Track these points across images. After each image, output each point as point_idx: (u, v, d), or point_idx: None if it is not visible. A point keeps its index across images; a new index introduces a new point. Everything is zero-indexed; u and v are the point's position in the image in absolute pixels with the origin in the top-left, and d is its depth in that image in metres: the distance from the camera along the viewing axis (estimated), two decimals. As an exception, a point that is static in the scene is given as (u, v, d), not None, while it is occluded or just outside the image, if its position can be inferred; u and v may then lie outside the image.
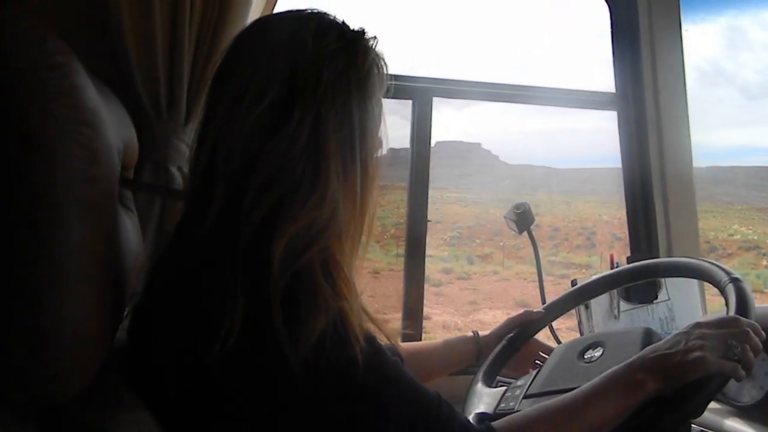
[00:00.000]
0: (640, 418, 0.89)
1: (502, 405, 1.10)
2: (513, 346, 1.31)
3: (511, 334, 1.32)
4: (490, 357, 1.29)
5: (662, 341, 0.93)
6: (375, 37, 0.92)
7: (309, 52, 0.85)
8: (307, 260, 0.78)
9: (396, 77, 1.75)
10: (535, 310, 1.35)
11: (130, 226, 1.05)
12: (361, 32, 0.92)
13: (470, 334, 1.35)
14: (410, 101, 1.82)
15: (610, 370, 0.91)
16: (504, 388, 1.16)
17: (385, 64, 0.94)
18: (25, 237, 0.69)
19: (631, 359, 0.91)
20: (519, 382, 1.15)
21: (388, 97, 1.75)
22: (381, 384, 0.78)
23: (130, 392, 0.80)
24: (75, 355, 0.73)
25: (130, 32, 1.25)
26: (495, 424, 0.87)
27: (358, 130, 0.87)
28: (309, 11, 0.92)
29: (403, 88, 1.78)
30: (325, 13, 0.92)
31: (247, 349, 0.74)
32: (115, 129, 0.94)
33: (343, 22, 0.92)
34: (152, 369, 0.82)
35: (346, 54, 0.87)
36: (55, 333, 0.71)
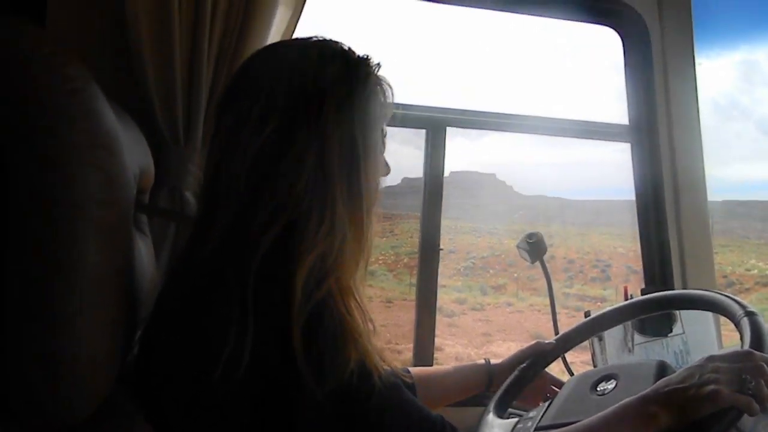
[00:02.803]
0: None
1: None
2: (525, 377, 1.30)
3: (524, 365, 1.30)
4: (502, 387, 1.27)
5: (675, 374, 0.92)
6: (379, 64, 0.93)
7: (312, 78, 0.86)
8: (326, 291, 0.78)
9: (410, 107, 1.77)
10: (546, 341, 1.33)
11: (144, 250, 1.06)
12: (365, 58, 0.92)
13: (482, 361, 1.33)
14: (424, 131, 1.83)
15: (623, 402, 0.90)
16: (516, 419, 1.14)
17: (390, 89, 0.94)
18: (40, 259, 0.70)
19: (644, 392, 0.90)
20: (531, 414, 1.14)
21: (401, 126, 1.79)
22: (387, 408, 0.79)
23: (138, 416, 0.80)
24: (86, 379, 0.74)
25: (149, 57, 1.28)
26: None
27: (362, 156, 0.87)
28: (315, 38, 0.92)
29: (417, 117, 1.80)
30: (330, 40, 0.92)
31: (259, 381, 0.74)
32: (132, 153, 0.96)
33: (349, 48, 0.92)
34: (156, 394, 0.82)
35: (348, 80, 0.88)
36: (71, 357, 0.72)
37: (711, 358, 0.91)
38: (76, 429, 0.75)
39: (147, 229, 1.17)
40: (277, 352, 0.74)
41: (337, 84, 0.87)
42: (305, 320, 0.74)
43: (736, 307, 1.04)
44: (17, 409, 0.72)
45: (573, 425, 0.90)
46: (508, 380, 1.29)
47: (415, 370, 1.26)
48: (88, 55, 1.23)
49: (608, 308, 1.35)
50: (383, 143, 0.97)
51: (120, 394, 0.82)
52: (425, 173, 1.84)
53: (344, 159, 0.85)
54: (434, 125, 1.81)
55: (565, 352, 1.37)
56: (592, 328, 1.36)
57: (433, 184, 1.83)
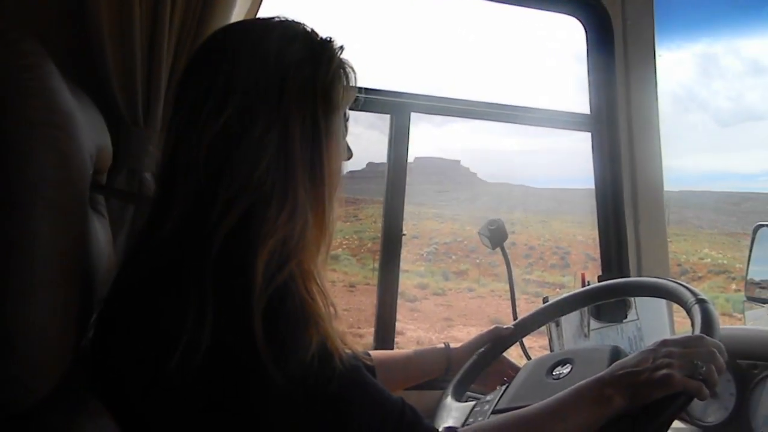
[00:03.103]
0: None
1: (470, 420, 1.10)
2: (483, 362, 1.32)
3: (482, 350, 1.33)
4: (461, 372, 1.29)
5: (630, 357, 0.94)
6: (342, 47, 0.91)
7: (274, 59, 0.84)
8: (287, 275, 0.76)
9: (375, 91, 1.77)
10: (505, 327, 1.35)
11: (100, 231, 1.04)
12: (328, 41, 0.90)
13: (441, 345, 1.35)
14: (388, 116, 1.83)
15: (578, 384, 0.91)
16: (473, 403, 1.16)
17: (354, 72, 0.93)
18: (-9, 238, 0.68)
19: (599, 374, 0.91)
20: (488, 398, 1.16)
21: (366, 111, 1.78)
22: (348, 390, 0.78)
23: (93, 398, 0.79)
24: (40, 360, 0.73)
25: (108, 37, 1.24)
26: (461, 430, 0.88)
27: (325, 139, 0.86)
28: (277, 18, 0.90)
29: (381, 102, 1.79)
30: (293, 21, 0.90)
31: (219, 365, 0.73)
32: (89, 133, 0.94)
33: (312, 30, 0.90)
34: (113, 376, 0.80)
35: (311, 62, 0.86)
36: (21, 337, 0.70)
37: (664, 343, 0.93)
38: (30, 412, 0.73)
39: (104, 210, 1.15)
40: (238, 338, 0.73)
41: (299, 65, 0.85)
42: (266, 305, 0.73)
43: (688, 294, 1.07)
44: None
45: (529, 407, 0.91)
46: (467, 364, 1.31)
47: (375, 354, 1.27)
48: (44, 34, 1.19)
49: (565, 294, 1.38)
50: (346, 127, 0.96)
51: (76, 377, 0.81)
52: (389, 158, 1.84)
53: (306, 142, 0.84)
54: (398, 110, 1.81)
55: (523, 336, 1.39)
56: (549, 314, 1.39)
57: (396, 170, 1.83)
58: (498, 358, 1.34)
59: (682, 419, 1.41)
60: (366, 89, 1.70)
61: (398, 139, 1.83)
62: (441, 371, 1.33)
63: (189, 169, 0.82)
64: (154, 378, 0.76)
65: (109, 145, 1.13)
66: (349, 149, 0.98)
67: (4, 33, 0.70)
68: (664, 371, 0.87)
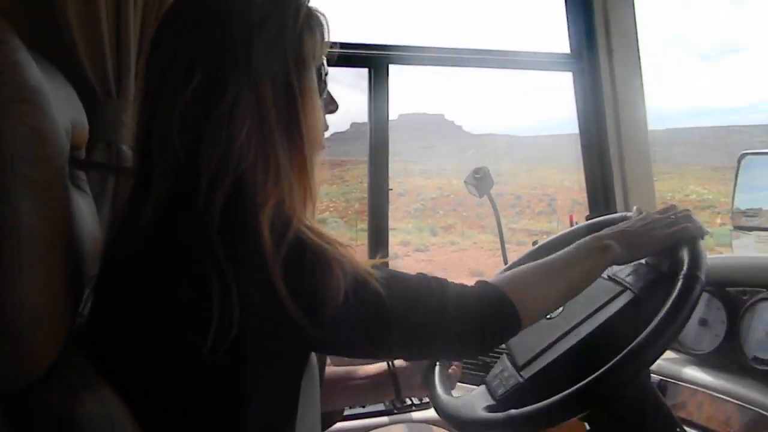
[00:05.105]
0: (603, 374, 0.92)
1: (501, 391, 1.09)
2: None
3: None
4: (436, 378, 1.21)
5: (621, 223, 1.06)
6: None
7: (238, 18, 0.81)
8: (294, 232, 0.76)
9: (350, 45, 1.74)
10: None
11: (84, 207, 1.03)
12: None
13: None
14: (366, 70, 1.80)
15: (580, 240, 1.01)
16: (482, 385, 1.15)
17: (325, 22, 0.89)
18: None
19: (598, 233, 1.02)
20: (497, 370, 1.15)
21: (342, 66, 1.75)
22: (395, 300, 0.82)
23: (93, 372, 0.79)
24: (34, 338, 0.72)
25: (73, 8, 1.21)
26: (492, 279, 0.95)
27: (300, 97, 0.83)
28: None
29: (357, 56, 1.77)
30: None
31: (254, 336, 0.74)
32: (62, 108, 0.91)
33: None
34: (117, 350, 0.80)
35: (276, 19, 0.83)
36: (11, 316, 0.70)
37: (647, 214, 1.06)
38: (29, 391, 0.73)
39: (87, 186, 1.14)
40: (267, 305, 0.73)
41: (263, 23, 0.82)
42: (284, 265, 0.74)
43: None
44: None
45: (538, 261, 1.00)
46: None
47: (330, 370, 1.23)
48: (8, 9, 1.16)
49: (554, 236, 1.38)
50: (324, 83, 0.92)
51: (73, 354, 0.80)
52: (370, 114, 1.83)
53: (281, 103, 0.82)
54: (376, 64, 1.78)
55: None
56: (539, 256, 1.39)
57: (378, 125, 1.82)
58: None
59: (675, 349, 1.44)
60: (340, 44, 1.67)
61: (378, 94, 1.81)
62: (384, 376, 1.23)
63: (164, 142, 0.80)
64: (184, 359, 0.75)
65: (84, 120, 1.11)
66: (333, 101, 0.95)
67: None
68: (655, 229, 1.01)
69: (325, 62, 0.92)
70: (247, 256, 0.74)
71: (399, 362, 1.23)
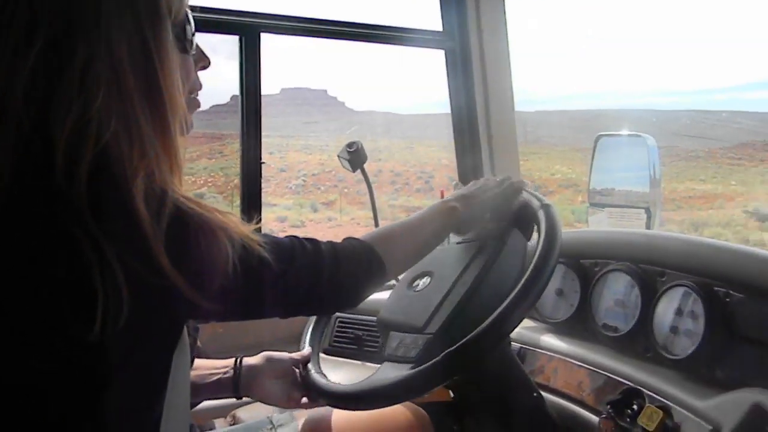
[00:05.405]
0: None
1: (414, 353, 1.09)
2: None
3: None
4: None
5: (464, 188, 1.22)
6: None
7: None
8: (171, 203, 0.73)
9: (220, 11, 1.66)
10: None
11: None
12: None
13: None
14: (237, 37, 1.73)
15: (431, 205, 1.15)
16: (384, 362, 1.15)
17: None
18: None
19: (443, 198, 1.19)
20: (394, 343, 1.15)
21: (212, 32, 1.67)
22: (281, 263, 0.86)
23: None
24: None
25: None
26: (363, 236, 1.03)
27: (157, 57, 0.76)
28: None
29: (228, 22, 1.69)
30: None
31: (139, 311, 0.69)
32: None
33: None
34: None
35: None
36: None
37: (482, 179, 1.25)
38: None
39: None
40: (153, 280, 0.70)
41: None
42: (166, 238, 0.70)
43: (534, 200, 1.15)
44: None
45: (397, 222, 1.13)
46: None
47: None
48: None
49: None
50: (190, 41, 0.85)
51: None
52: (241, 84, 1.76)
53: (138, 65, 0.74)
54: (247, 31, 1.71)
55: None
56: None
57: (249, 96, 1.76)
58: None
59: (533, 318, 1.51)
60: (210, 8, 1.59)
61: (249, 63, 1.74)
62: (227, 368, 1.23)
63: (8, 112, 0.70)
64: (64, 345, 0.69)
65: None
66: (204, 56, 0.89)
67: None
68: (488, 189, 1.19)
69: (190, 17, 0.84)
70: (125, 232, 0.69)
71: (249, 360, 1.24)
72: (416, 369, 1.00)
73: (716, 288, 1.12)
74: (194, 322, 1.00)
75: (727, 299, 1.11)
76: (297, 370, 1.25)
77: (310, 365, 1.23)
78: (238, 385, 1.22)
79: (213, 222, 0.76)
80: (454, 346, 0.96)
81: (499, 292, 1.03)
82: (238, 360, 1.24)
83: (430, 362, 0.98)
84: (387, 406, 1.12)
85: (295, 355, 1.27)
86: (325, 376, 1.19)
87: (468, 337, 0.97)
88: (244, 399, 1.26)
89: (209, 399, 1.28)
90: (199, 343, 1.10)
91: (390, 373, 1.08)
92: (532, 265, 1.01)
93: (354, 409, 1.15)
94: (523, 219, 1.17)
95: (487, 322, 0.97)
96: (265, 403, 1.25)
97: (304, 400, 1.23)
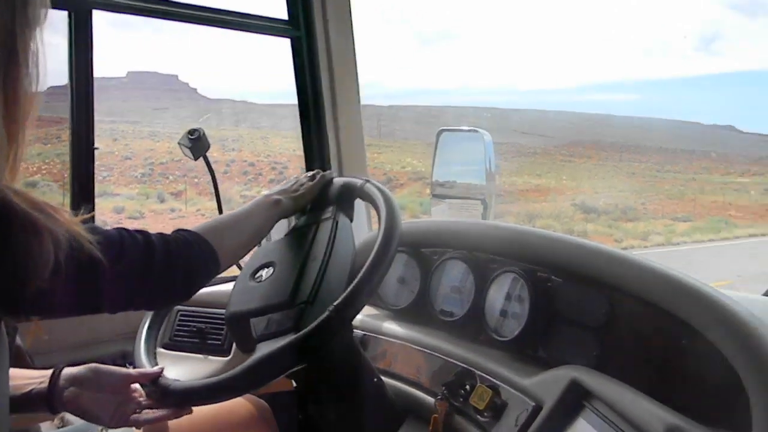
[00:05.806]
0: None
1: (290, 324, 1.07)
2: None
3: None
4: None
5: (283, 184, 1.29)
6: None
7: None
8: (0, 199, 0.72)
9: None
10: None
11: None
12: None
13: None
14: (66, 13, 1.60)
15: (256, 198, 1.21)
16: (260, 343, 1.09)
17: None
18: None
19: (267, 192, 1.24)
20: (261, 324, 1.10)
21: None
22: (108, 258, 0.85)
23: None
24: None
25: None
26: (193, 228, 1.04)
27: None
28: None
29: (53, -5, 1.55)
30: None
31: None
32: None
33: None
34: None
35: None
36: None
37: (296, 177, 1.31)
38: None
39: None
40: None
41: None
42: None
43: (356, 180, 1.26)
44: None
45: (226, 214, 1.22)
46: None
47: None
48: None
49: None
50: (36, 18, 0.83)
51: None
52: (70, 65, 1.63)
53: None
54: (77, 6, 1.59)
55: None
56: None
57: (81, 77, 1.63)
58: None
59: (376, 305, 1.55)
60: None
61: (79, 41, 1.61)
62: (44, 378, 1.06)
63: None
64: None
65: None
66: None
67: None
68: (302, 186, 1.26)
69: None
70: None
71: (71, 370, 1.07)
72: (262, 355, 1.01)
73: (540, 273, 1.21)
74: (12, 321, 0.91)
75: (549, 284, 1.20)
76: (140, 388, 1.12)
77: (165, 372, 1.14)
78: (53, 399, 1.04)
79: (38, 223, 0.75)
80: (295, 336, 0.97)
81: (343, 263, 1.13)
82: (58, 370, 1.06)
83: (270, 350, 0.99)
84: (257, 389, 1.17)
85: (134, 372, 1.14)
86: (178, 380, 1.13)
87: (309, 327, 0.99)
88: None
89: (21, 413, 1.04)
90: (18, 341, 1.01)
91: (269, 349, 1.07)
92: (376, 246, 1.07)
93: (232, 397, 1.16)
94: (344, 198, 1.26)
95: (325, 314, 0.99)
96: (87, 421, 1.09)
97: (150, 414, 1.11)
